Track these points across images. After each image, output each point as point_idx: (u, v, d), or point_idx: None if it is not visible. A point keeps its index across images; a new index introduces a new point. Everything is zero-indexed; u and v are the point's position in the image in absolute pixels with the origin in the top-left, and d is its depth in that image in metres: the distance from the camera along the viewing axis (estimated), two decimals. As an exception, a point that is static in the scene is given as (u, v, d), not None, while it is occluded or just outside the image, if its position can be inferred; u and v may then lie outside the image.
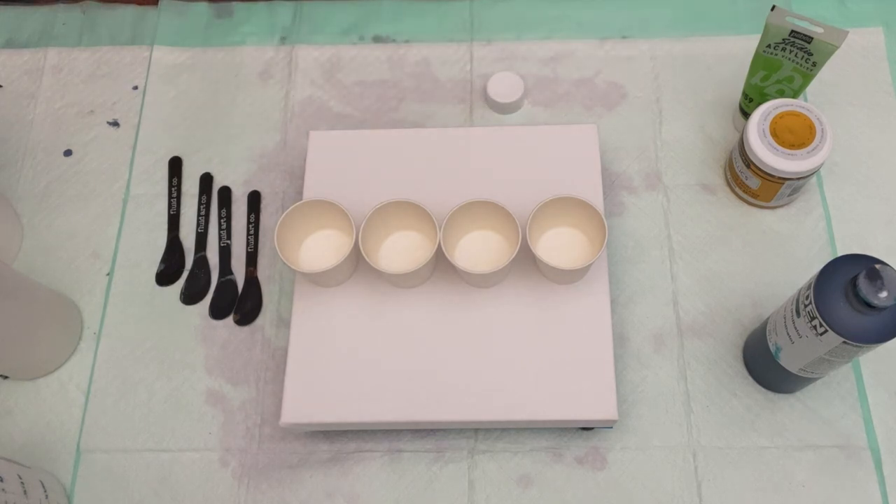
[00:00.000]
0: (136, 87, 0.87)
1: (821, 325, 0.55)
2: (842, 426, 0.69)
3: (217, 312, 0.75)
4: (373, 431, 0.70)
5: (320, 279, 0.67)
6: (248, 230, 0.78)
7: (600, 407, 0.63)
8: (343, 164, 0.73)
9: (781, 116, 0.70)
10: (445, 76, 0.85)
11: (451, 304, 0.67)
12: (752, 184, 0.73)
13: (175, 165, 0.82)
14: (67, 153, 0.83)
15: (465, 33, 0.87)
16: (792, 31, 0.67)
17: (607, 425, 0.67)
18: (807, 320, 0.57)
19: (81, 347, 0.75)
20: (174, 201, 0.80)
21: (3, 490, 0.60)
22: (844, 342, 0.54)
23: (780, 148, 0.69)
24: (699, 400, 0.70)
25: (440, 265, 0.68)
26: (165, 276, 0.77)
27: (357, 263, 0.69)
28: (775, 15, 0.68)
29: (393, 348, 0.66)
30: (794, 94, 0.74)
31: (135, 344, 0.75)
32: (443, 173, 0.72)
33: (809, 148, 0.69)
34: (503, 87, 0.81)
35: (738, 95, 0.79)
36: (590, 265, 0.64)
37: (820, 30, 0.67)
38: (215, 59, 0.87)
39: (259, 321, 0.75)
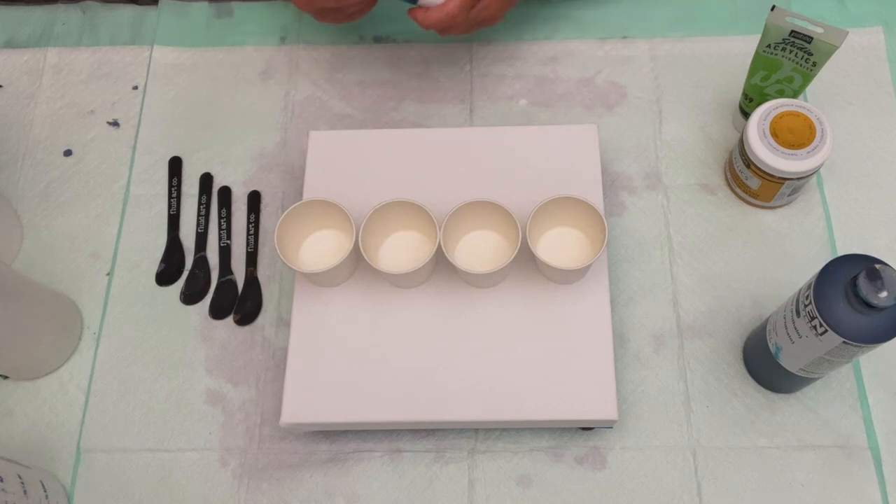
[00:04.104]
0: (136, 87, 0.86)
1: (821, 325, 0.55)
2: (842, 426, 0.69)
3: (217, 312, 0.75)
4: (373, 431, 0.70)
5: (320, 279, 0.67)
6: (248, 230, 0.78)
7: (600, 407, 0.63)
8: (343, 164, 0.73)
9: (781, 116, 0.70)
10: (445, 76, 0.85)
11: (451, 304, 0.67)
12: (752, 184, 0.73)
13: (175, 165, 0.82)
14: (67, 153, 0.83)
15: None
16: (792, 31, 0.67)
17: (607, 425, 0.67)
18: (807, 320, 0.57)
19: (81, 347, 0.75)
20: (174, 201, 0.80)
21: (3, 490, 0.60)
22: (844, 342, 0.54)
23: (780, 148, 0.69)
24: (699, 400, 0.70)
25: (440, 265, 0.68)
26: (165, 276, 0.77)
27: (357, 263, 0.69)
28: (775, 15, 0.68)
29: (393, 348, 0.66)
30: (794, 94, 0.74)
31: (135, 344, 0.75)
32: (443, 173, 0.72)
33: (809, 148, 0.69)
34: None
35: (738, 95, 0.79)
36: (590, 265, 0.64)
37: (820, 30, 0.67)
38: (215, 59, 0.87)
39: (259, 321, 0.75)
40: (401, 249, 0.69)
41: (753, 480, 0.68)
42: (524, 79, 0.84)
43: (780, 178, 0.70)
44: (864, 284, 0.52)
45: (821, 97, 0.81)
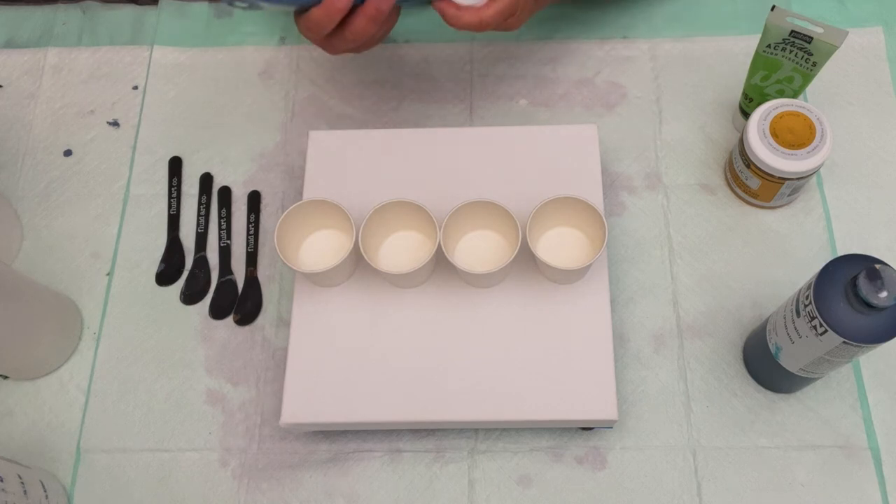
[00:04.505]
0: (136, 87, 0.87)
1: (821, 325, 0.55)
2: (842, 426, 0.69)
3: (217, 312, 0.75)
4: (373, 431, 0.70)
5: (320, 279, 0.67)
6: (248, 230, 0.78)
7: (600, 407, 0.63)
8: (343, 164, 0.73)
9: (781, 116, 0.70)
10: (445, 76, 0.85)
11: (451, 304, 0.67)
12: (752, 184, 0.73)
13: (175, 165, 0.82)
14: (67, 153, 0.83)
15: (466, 33, 0.87)
16: (792, 31, 0.67)
17: (607, 425, 0.67)
18: (807, 320, 0.57)
19: (81, 347, 0.75)
20: (174, 201, 0.80)
21: (3, 490, 0.60)
22: (844, 342, 0.54)
23: (780, 148, 0.69)
24: (699, 400, 0.70)
25: (440, 265, 0.68)
26: (165, 276, 0.77)
27: (357, 263, 0.69)
28: (775, 15, 0.68)
29: (393, 348, 0.66)
30: (794, 94, 0.74)
31: (135, 344, 0.75)
32: (443, 173, 0.72)
33: (809, 148, 0.69)
34: None
35: (738, 95, 0.79)
36: (590, 265, 0.64)
37: (820, 30, 0.67)
38: (215, 59, 0.87)
39: (259, 321, 0.75)
40: (401, 249, 0.69)
41: (753, 480, 0.68)
42: (524, 79, 0.84)
43: (780, 178, 0.70)
44: (864, 284, 0.52)
45: (821, 97, 0.81)
